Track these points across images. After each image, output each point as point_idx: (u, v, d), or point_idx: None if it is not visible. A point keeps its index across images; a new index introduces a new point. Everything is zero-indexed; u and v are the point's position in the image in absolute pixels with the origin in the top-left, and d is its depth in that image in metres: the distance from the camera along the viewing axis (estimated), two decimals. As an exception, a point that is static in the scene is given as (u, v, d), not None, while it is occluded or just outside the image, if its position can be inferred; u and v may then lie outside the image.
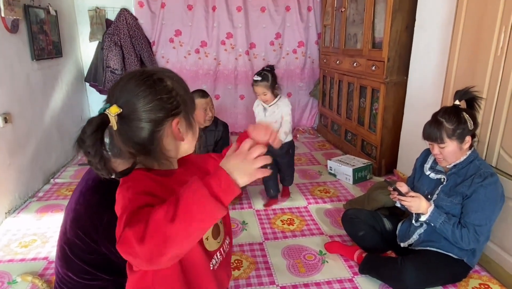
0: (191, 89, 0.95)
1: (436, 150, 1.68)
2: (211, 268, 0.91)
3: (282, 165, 2.61)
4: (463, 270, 1.76)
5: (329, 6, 4.16)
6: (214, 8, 4.33)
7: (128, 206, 0.71)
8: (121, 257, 0.66)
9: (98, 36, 4.17)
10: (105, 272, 1.19)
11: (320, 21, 4.52)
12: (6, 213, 2.49)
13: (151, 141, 0.81)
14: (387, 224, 2.03)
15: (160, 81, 0.81)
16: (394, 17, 2.80)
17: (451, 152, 1.64)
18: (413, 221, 1.83)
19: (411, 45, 2.80)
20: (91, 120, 0.73)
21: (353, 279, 1.85)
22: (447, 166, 1.73)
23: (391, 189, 1.79)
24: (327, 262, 1.98)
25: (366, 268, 1.86)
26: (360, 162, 3.11)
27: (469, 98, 1.71)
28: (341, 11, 3.69)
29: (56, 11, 3.43)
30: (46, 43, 3.23)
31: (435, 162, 1.82)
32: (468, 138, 1.64)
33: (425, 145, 1.78)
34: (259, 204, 2.66)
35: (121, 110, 0.76)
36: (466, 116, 1.61)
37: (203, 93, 2.48)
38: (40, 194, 2.87)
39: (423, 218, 1.72)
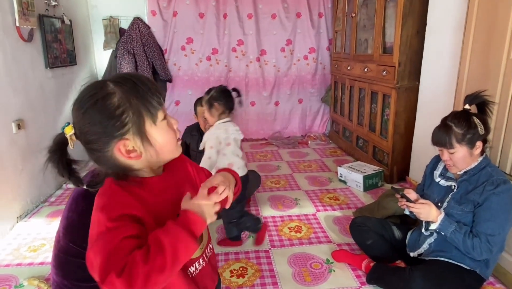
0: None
1: (445, 155, 1.63)
2: (190, 276, 0.88)
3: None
4: (476, 282, 1.69)
5: (340, 12, 4.14)
6: (225, 16, 4.36)
7: (106, 237, 0.70)
8: None
9: (112, 45, 4.25)
10: None
11: (331, 27, 4.49)
12: (17, 218, 2.54)
13: (105, 161, 0.80)
14: (397, 233, 1.97)
15: (104, 99, 0.75)
16: (404, 21, 2.76)
17: (461, 157, 1.59)
18: (423, 230, 1.77)
19: (422, 49, 2.75)
20: (55, 138, 0.79)
21: (360, 289, 1.80)
22: (458, 173, 1.67)
23: (398, 196, 1.74)
24: (334, 271, 1.94)
25: (374, 277, 1.80)
26: (371, 168, 3.05)
27: (480, 102, 1.65)
28: (352, 16, 3.66)
29: (70, 21, 3.52)
30: (60, 51, 3.31)
31: (445, 168, 1.76)
32: (478, 144, 1.58)
33: (438, 151, 1.73)
34: (267, 211, 2.63)
35: (73, 131, 0.78)
36: (476, 120, 1.56)
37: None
38: (52, 199, 2.92)
39: (433, 227, 1.66)
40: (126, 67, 4.12)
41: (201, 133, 2.61)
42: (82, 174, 0.84)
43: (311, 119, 4.81)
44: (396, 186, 2.76)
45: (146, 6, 4.26)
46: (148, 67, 4.20)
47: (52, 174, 0.79)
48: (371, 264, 1.86)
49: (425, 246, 1.77)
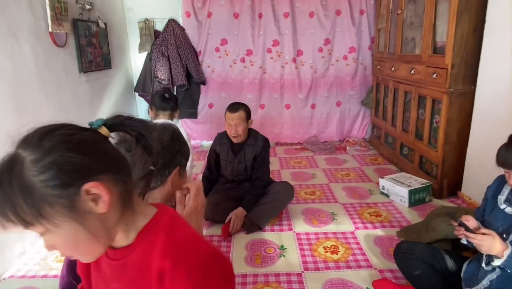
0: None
1: (514, 180, 1.37)
2: None
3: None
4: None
5: (383, 8, 3.84)
6: (260, 15, 4.20)
7: None
8: None
9: (147, 47, 4.24)
10: None
11: (373, 25, 4.20)
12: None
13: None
14: (450, 263, 1.71)
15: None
16: (459, 18, 2.45)
17: (535, 184, 1.32)
18: (483, 264, 1.51)
19: (479, 50, 2.44)
20: None
21: (406, 328, 1.57)
22: (529, 200, 1.40)
23: (455, 223, 1.49)
24: (375, 303, 1.72)
25: (422, 316, 1.57)
26: (418, 181, 2.77)
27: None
28: (397, 13, 3.38)
29: (105, 24, 3.51)
30: (95, 55, 3.30)
31: (512, 193, 1.49)
32: (558, 168, 1.30)
33: (499, 168, 1.46)
34: (300, 226, 2.44)
35: None
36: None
37: (232, 107, 2.37)
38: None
39: (497, 263, 1.40)
40: (161, 70, 4.09)
41: (231, 142, 2.48)
42: None
43: (349, 123, 4.54)
44: (451, 208, 2.45)
45: (180, 8, 4.20)
46: (182, 69, 4.14)
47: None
48: (419, 299, 1.62)
49: (485, 282, 1.50)
